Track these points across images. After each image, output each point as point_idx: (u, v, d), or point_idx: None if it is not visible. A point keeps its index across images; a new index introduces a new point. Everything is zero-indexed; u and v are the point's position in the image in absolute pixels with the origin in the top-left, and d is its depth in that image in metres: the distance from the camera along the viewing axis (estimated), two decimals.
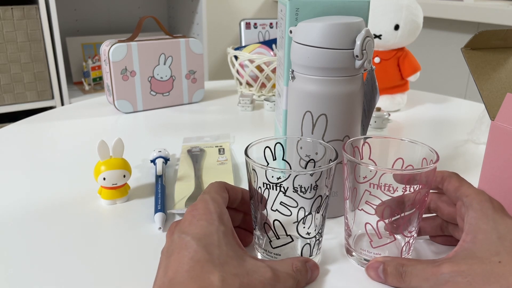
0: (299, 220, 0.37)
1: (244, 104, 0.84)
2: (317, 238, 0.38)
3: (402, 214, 0.37)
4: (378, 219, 0.37)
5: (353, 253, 0.40)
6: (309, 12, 0.46)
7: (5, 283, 0.37)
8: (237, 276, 0.30)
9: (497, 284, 0.31)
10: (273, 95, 0.90)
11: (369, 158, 0.41)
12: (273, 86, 0.89)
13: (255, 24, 1.02)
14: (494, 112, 0.44)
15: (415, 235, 0.39)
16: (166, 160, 0.58)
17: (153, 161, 0.58)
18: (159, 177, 0.54)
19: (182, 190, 0.52)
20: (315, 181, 0.35)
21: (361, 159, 0.41)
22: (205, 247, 0.31)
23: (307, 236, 0.38)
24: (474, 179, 0.58)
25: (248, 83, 0.91)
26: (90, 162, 0.61)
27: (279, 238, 0.38)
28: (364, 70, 0.45)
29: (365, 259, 0.39)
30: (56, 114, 0.81)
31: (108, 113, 0.81)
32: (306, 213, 0.36)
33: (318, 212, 0.37)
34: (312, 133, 0.44)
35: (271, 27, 1.03)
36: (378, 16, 0.80)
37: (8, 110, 1.58)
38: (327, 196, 0.37)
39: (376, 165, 0.40)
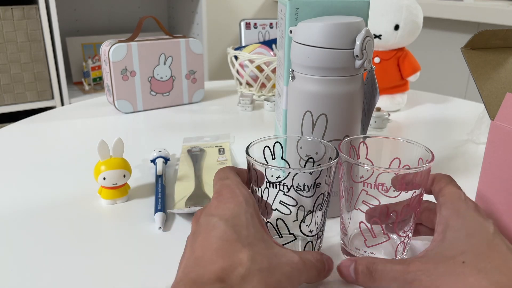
0: (300, 218, 0.37)
1: (244, 104, 0.84)
2: (319, 236, 0.39)
3: (397, 215, 0.37)
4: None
5: (349, 252, 0.40)
6: (309, 12, 0.46)
7: (4, 282, 0.37)
8: (266, 256, 0.30)
9: (458, 284, 0.30)
10: (273, 95, 0.90)
11: (366, 158, 0.41)
12: (273, 86, 0.89)
13: (255, 24, 1.02)
14: (494, 112, 0.44)
15: (410, 235, 0.39)
16: (166, 160, 0.58)
17: (153, 161, 0.58)
18: (159, 177, 0.54)
19: (182, 190, 0.52)
20: (315, 180, 0.35)
21: (358, 159, 0.41)
22: (233, 227, 0.31)
23: (309, 234, 0.38)
24: (474, 179, 0.58)
25: (248, 83, 0.91)
26: (90, 162, 0.61)
27: (281, 236, 0.38)
28: (364, 70, 0.45)
29: None
30: (56, 114, 0.81)
31: (108, 113, 0.81)
32: (307, 211, 0.36)
33: (320, 210, 0.37)
34: (312, 133, 0.44)
35: (271, 27, 1.03)
36: (378, 16, 0.80)
37: (8, 110, 1.58)
38: (329, 194, 0.37)
39: (373, 164, 0.40)
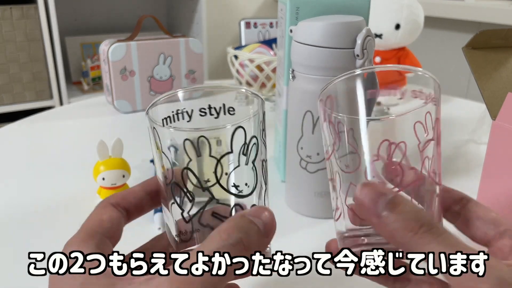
0: (226, 171, 0.26)
1: (241, 100, 0.84)
2: (250, 192, 0.27)
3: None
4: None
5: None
6: (310, 11, 0.46)
7: (4, 283, 0.37)
8: None
9: None
10: (273, 95, 0.89)
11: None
12: (273, 85, 0.89)
13: (255, 23, 1.02)
14: (495, 111, 0.43)
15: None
16: None
17: (152, 161, 0.58)
18: None
19: None
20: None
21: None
22: None
23: (235, 191, 0.26)
24: (475, 179, 0.58)
25: (248, 83, 0.91)
26: (89, 162, 0.60)
27: (192, 199, 0.26)
28: None
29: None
30: (55, 114, 0.81)
31: (107, 113, 0.81)
32: (227, 150, 0.27)
33: (244, 154, 0.27)
34: (313, 133, 0.44)
35: (271, 27, 1.03)
36: (379, 16, 0.80)
37: (6, 110, 1.58)
38: (261, 140, 0.29)
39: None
